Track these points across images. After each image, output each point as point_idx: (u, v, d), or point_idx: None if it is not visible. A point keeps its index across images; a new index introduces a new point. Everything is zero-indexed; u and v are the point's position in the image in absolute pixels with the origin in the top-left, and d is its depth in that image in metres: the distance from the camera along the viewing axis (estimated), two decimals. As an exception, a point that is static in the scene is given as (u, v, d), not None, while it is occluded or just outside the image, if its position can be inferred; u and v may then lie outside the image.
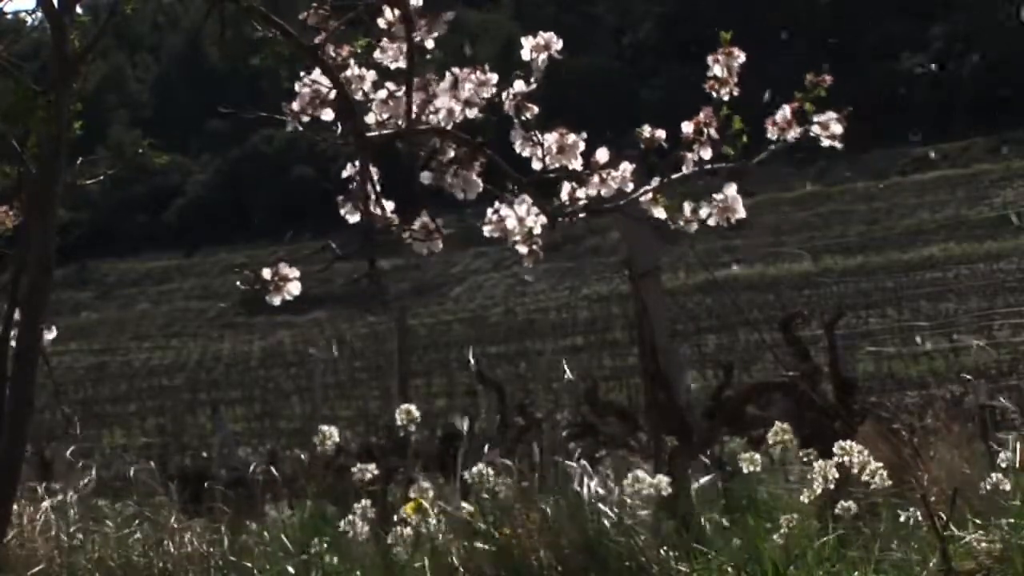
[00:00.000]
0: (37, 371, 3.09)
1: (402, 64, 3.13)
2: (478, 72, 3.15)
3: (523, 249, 3.19)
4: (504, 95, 3.13)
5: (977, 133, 67.40)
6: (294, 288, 3.14)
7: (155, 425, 31.97)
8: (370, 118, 3.20)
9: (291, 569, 4.80)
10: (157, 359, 52.24)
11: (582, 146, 3.15)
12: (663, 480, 4.37)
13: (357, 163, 3.16)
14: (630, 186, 3.18)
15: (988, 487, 4.50)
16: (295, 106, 3.19)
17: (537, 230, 3.18)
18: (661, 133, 3.19)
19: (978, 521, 4.30)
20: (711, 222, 3.20)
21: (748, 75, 3.22)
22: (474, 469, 4.35)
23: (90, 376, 45.67)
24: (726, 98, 3.17)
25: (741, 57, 3.19)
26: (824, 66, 3.27)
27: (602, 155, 3.17)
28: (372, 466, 5.01)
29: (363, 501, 4.76)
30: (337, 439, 4.93)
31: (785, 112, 3.20)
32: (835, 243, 52.17)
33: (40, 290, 3.09)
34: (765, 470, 5.68)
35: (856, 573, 4.02)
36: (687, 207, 3.19)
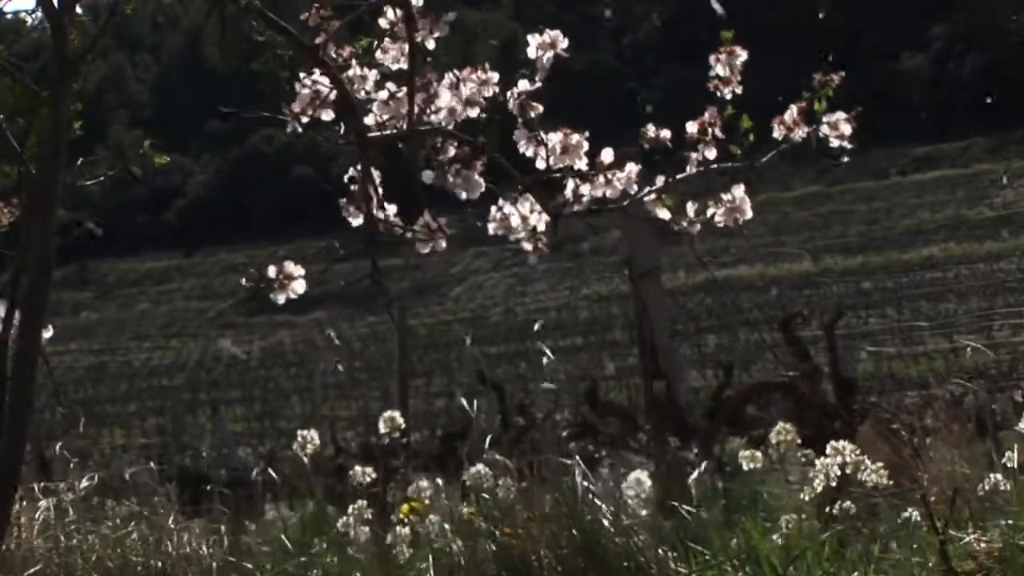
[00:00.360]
0: (37, 371, 3.09)
1: (404, 65, 3.13)
2: (479, 71, 3.15)
3: (528, 246, 3.19)
4: (508, 94, 3.13)
5: (977, 133, 67.41)
6: (299, 286, 3.14)
7: (155, 425, 31.96)
8: (370, 119, 3.20)
9: (291, 569, 4.80)
10: (157, 359, 52.25)
11: (586, 146, 3.15)
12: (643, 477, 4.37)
13: (359, 164, 3.16)
14: (635, 187, 3.17)
15: (988, 487, 4.50)
16: (295, 107, 3.19)
17: (541, 227, 3.18)
18: (666, 133, 3.19)
19: (978, 521, 4.30)
20: (719, 222, 3.20)
21: (748, 74, 3.22)
22: (472, 470, 4.35)
23: (90, 376, 45.68)
24: (729, 97, 3.17)
25: (743, 56, 3.19)
26: (828, 59, 3.26)
27: (607, 155, 3.16)
28: (370, 469, 5.01)
29: (359, 502, 4.76)
30: (318, 443, 4.92)
31: (792, 112, 3.19)
32: (835, 243, 52.18)
33: (40, 290, 3.09)
34: (765, 470, 5.68)
35: (856, 573, 4.02)
36: (690, 208, 3.19)
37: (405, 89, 3.13)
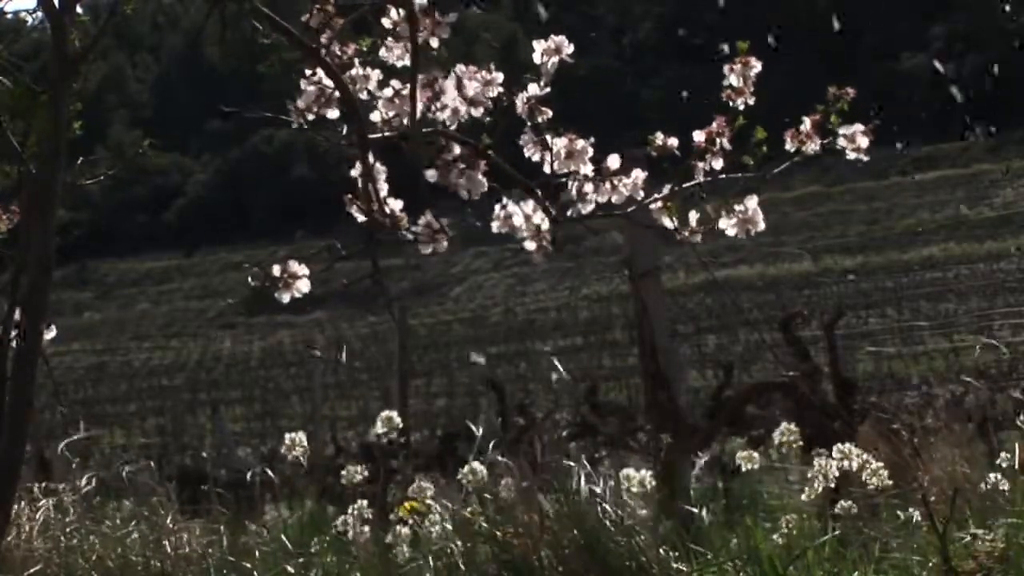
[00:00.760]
0: (37, 371, 3.09)
1: (408, 62, 3.12)
2: (484, 72, 3.15)
3: (532, 245, 3.18)
4: (517, 98, 3.12)
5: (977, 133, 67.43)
6: (303, 285, 3.14)
7: (155, 425, 31.97)
8: (376, 116, 3.20)
9: (291, 569, 4.80)
10: (157, 359, 52.27)
11: (591, 151, 3.14)
12: (649, 475, 4.37)
13: (361, 164, 3.15)
14: (640, 194, 3.16)
15: (988, 487, 4.50)
16: (300, 104, 3.19)
17: (545, 226, 3.18)
18: (673, 141, 3.17)
19: (978, 521, 4.30)
20: (730, 233, 3.18)
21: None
22: (467, 468, 4.34)
23: (90, 376, 45.70)
24: (742, 108, 3.15)
25: (757, 67, 3.16)
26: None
27: (613, 161, 3.15)
28: (362, 467, 5.00)
29: (359, 502, 4.76)
30: (306, 445, 4.91)
31: (806, 124, 3.17)
32: (835, 243, 52.18)
33: (40, 290, 3.09)
34: (765, 470, 5.69)
35: (856, 573, 4.02)
36: (693, 217, 3.18)
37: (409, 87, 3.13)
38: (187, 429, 28.91)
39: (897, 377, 21.62)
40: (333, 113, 3.18)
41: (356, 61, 3.18)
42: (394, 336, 12.41)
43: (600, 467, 5.80)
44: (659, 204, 3.17)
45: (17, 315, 3.26)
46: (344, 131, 3.18)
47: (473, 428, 4.93)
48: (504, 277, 62.87)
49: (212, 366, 47.06)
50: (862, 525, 4.32)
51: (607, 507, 4.17)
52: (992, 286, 33.51)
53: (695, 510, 4.70)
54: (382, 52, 3.17)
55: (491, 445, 4.54)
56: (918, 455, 5.15)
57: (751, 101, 3.15)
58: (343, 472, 5.03)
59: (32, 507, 4.66)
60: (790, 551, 4.15)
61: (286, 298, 3.13)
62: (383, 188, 3.20)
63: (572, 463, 4.45)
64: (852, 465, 4.08)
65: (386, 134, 3.19)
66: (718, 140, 3.14)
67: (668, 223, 3.17)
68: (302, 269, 3.14)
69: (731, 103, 3.16)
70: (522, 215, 3.17)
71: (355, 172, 3.18)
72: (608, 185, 3.14)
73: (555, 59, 3.13)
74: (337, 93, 3.16)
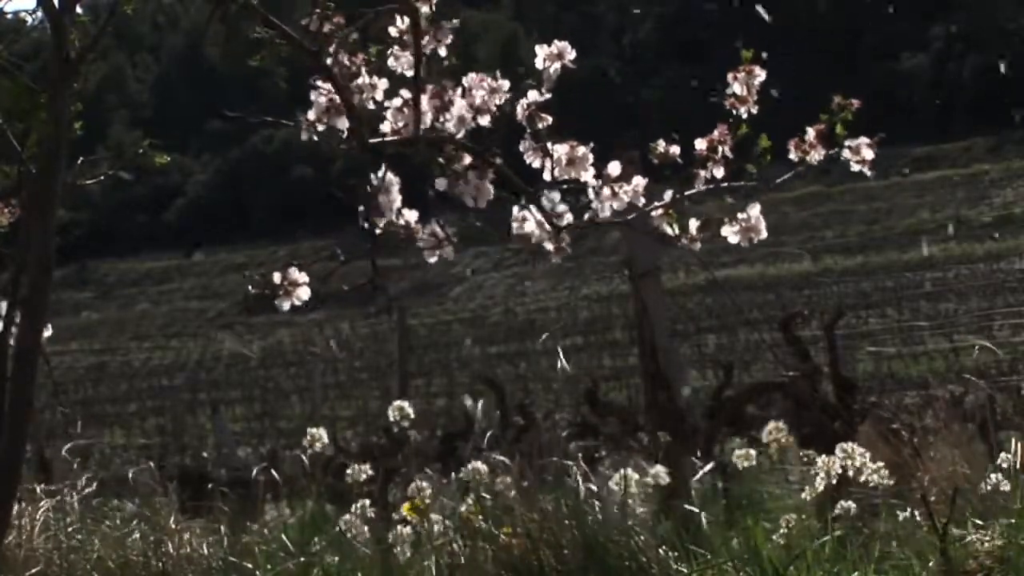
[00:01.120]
0: (37, 371, 3.09)
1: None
2: (489, 80, 3.14)
3: (550, 246, 3.19)
4: (518, 105, 3.12)
5: (977, 133, 67.39)
6: (303, 293, 3.15)
7: (155, 425, 31.96)
8: (386, 126, 3.19)
9: (291, 568, 4.80)
10: (157, 359, 52.22)
11: (591, 158, 3.14)
12: (660, 472, 4.37)
13: (378, 173, 3.15)
14: (641, 200, 3.16)
15: (988, 487, 4.50)
16: (311, 115, 3.18)
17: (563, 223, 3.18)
18: (675, 149, 3.16)
19: (978, 521, 4.30)
20: (732, 241, 3.18)
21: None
22: (468, 467, 4.35)
23: (90, 376, 45.67)
24: (745, 116, 3.14)
25: (762, 75, 3.15)
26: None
27: (614, 168, 3.15)
28: (367, 466, 5.01)
29: (361, 501, 4.76)
30: (327, 440, 4.92)
31: (810, 135, 3.17)
32: (835, 243, 52.17)
33: (40, 290, 3.09)
34: (765, 470, 5.68)
35: (856, 573, 4.02)
36: (693, 225, 3.17)
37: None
38: (187, 429, 28.89)
39: (897, 377, 21.62)
40: (343, 123, 3.18)
41: (363, 70, 3.18)
42: (394, 336, 12.42)
43: (600, 467, 5.80)
44: (660, 212, 3.17)
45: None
46: (345, 135, 3.17)
47: (471, 409, 4.93)
48: (504, 277, 62.84)
49: (212, 366, 47.01)
50: (862, 525, 4.32)
51: (606, 507, 4.17)
52: (992, 286, 33.52)
53: (695, 510, 4.71)
54: (390, 61, 3.16)
55: (486, 438, 4.55)
56: (918, 455, 5.15)
57: (754, 110, 3.14)
58: (347, 471, 5.03)
59: (33, 507, 4.66)
60: (790, 551, 4.15)
61: (286, 306, 3.14)
62: (397, 199, 3.20)
63: (572, 463, 4.46)
64: (855, 464, 4.08)
65: (388, 139, 3.18)
66: (720, 148, 3.13)
67: (669, 231, 3.16)
68: (302, 277, 3.14)
69: (734, 111, 3.14)
70: (534, 221, 3.18)
71: (373, 180, 3.17)
72: (608, 192, 3.14)
73: (557, 65, 3.13)
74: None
